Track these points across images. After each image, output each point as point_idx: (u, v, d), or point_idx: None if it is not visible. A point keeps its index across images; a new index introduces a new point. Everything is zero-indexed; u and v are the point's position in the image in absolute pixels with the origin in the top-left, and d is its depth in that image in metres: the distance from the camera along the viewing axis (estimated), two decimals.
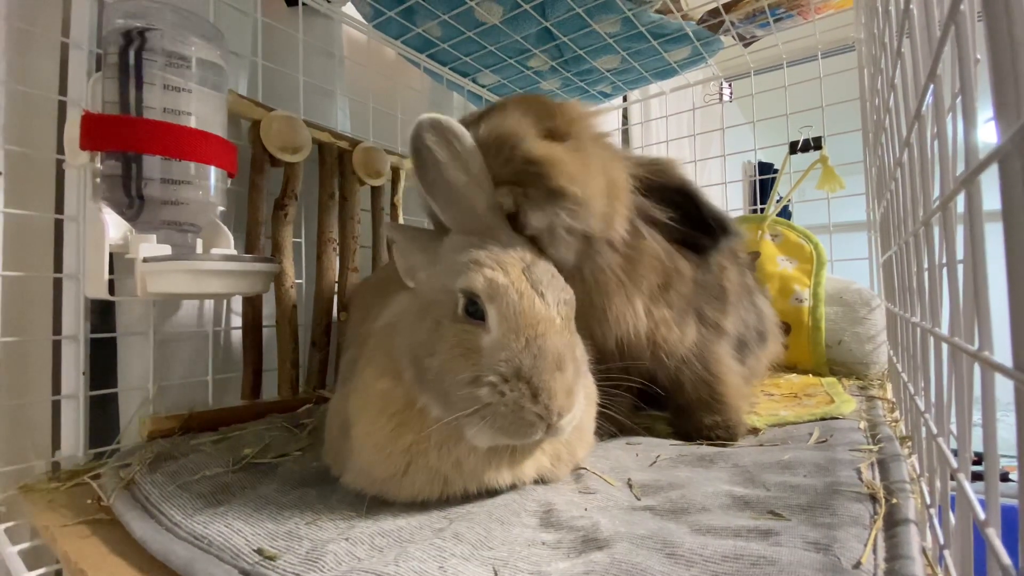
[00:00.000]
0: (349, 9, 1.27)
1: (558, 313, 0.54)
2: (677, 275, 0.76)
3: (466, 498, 0.56)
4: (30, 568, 0.57)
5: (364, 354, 0.63)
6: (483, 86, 1.59)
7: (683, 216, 0.76)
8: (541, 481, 0.60)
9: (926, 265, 0.52)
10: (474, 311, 0.52)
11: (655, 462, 0.70)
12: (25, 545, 0.62)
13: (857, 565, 0.41)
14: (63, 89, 0.81)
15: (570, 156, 0.63)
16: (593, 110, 0.75)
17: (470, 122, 0.68)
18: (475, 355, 0.51)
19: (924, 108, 0.47)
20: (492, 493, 0.57)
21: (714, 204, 0.77)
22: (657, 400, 0.88)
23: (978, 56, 0.35)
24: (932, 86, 0.43)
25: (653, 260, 0.74)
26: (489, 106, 0.73)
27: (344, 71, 1.26)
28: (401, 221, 1.27)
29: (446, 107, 1.59)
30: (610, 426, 0.76)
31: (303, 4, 1.13)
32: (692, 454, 0.72)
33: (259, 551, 0.46)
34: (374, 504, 0.54)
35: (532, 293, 0.53)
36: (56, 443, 0.80)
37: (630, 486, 0.61)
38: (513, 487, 0.58)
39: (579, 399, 0.53)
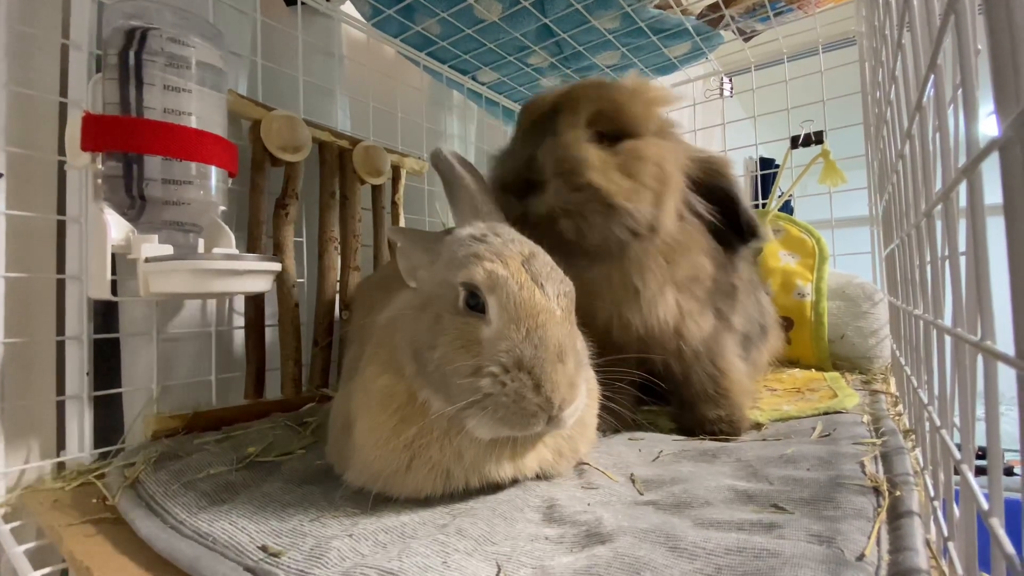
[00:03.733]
0: (348, 8, 1.27)
1: (558, 305, 0.54)
2: (703, 271, 0.81)
3: (468, 494, 0.56)
4: (36, 567, 0.58)
5: (366, 351, 0.63)
6: (482, 83, 1.59)
7: (721, 213, 0.83)
8: (543, 476, 0.60)
9: (928, 257, 0.51)
10: (475, 304, 0.53)
11: (658, 457, 0.70)
12: (31, 544, 0.62)
13: (861, 557, 0.41)
14: (64, 91, 0.81)
15: (625, 179, 0.73)
16: (661, 95, 0.82)
17: (540, 114, 0.79)
18: (476, 347, 0.51)
19: (925, 99, 0.47)
20: (494, 488, 0.57)
21: (751, 208, 0.84)
22: (659, 393, 0.88)
23: (979, 46, 0.34)
24: (933, 76, 0.43)
25: (688, 253, 0.80)
26: (559, 102, 0.79)
27: (344, 70, 1.26)
28: (402, 219, 1.27)
29: (446, 105, 1.59)
30: (613, 420, 0.76)
31: (302, 3, 1.13)
32: (695, 449, 0.72)
33: (263, 548, 0.46)
34: (377, 500, 0.54)
35: (532, 284, 0.53)
36: (61, 443, 0.80)
37: (633, 481, 0.61)
38: (515, 481, 0.58)
39: (581, 391, 0.53)
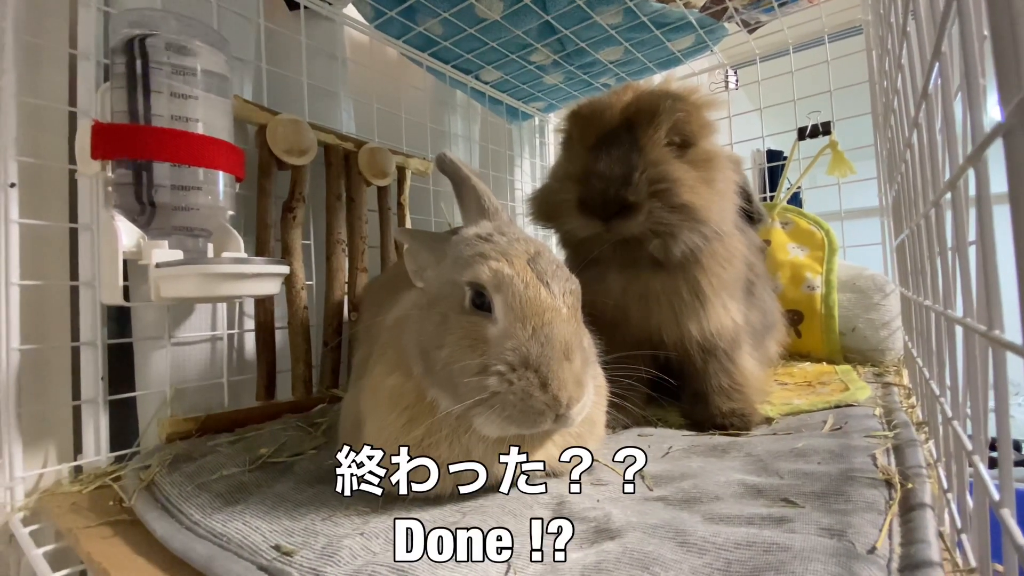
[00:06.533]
0: (350, 11, 1.27)
1: (564, 303, 0.54)
2: (742, 271, 0.87)
3: (477, 491, 0.56)
4: (55, 569, 0.59)
5: (374, 351, 0.63)
6: (486, 83, 1.59)
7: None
8: (552, 473, 0.60)
9: (938, 247, 0.51)
10: (481, 303, 0.53)
11: (667, 453, 0.70)
12: (50, 547, 0.63)
13: (872, 550, 0.40)
14: (73, 100, 0.82)
15: (708, 190, 0.78)
16: (713, 100, 0.87)
17: (613, 126, 0.80)
18: (483, 345, 0.52)
19: (931, 87, 0.47)
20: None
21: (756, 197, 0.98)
22: (669, 390, 0.88)
23: (985, 32, 0.34)
24: (938, 64, 0.42)
25: (736, 254, 0.85)
26: (633, 116, 0.81)
27: (347, 73, 1.27)
28: (408, 220, 1.28)
29: (449, 105, 1.59)
30: (624, 417, 0.76)
31: (304, 7, 1.14)
32: (704, 444, 0.72)
33: (276, 547, 0.47)
34: (388, 499, 0.55)
35: (537, 283, 0.53)
36: (78, 447, 0.82)
37: (642, 477, 0.61)
38: (523, 478, 0.58)
39: (588, 389, 0.53)
